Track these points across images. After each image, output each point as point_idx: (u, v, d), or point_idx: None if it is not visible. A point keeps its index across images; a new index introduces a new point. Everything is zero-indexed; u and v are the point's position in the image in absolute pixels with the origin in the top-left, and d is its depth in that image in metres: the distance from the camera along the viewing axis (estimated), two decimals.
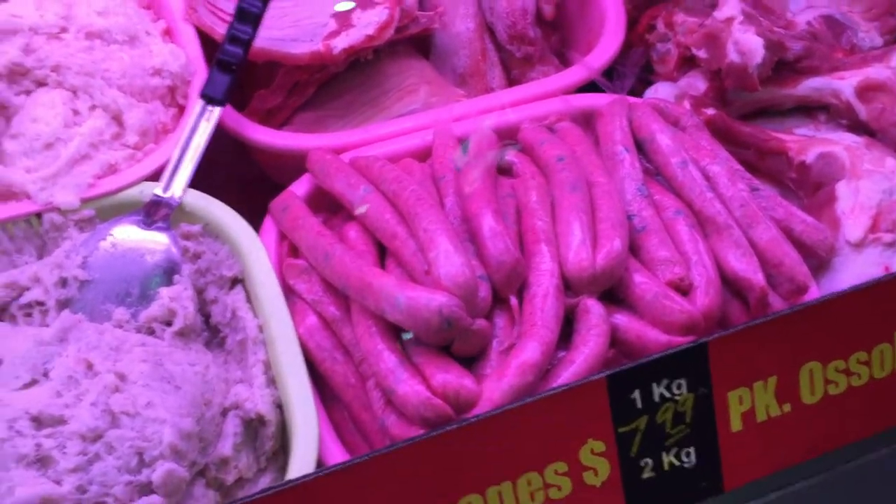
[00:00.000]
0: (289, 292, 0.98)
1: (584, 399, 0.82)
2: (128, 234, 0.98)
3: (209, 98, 1.07)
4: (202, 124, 1.05)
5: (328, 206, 1.06)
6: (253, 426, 0.92)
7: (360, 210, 0.97)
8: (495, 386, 0.84)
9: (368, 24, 1.15)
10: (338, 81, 1.25)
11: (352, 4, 1.18)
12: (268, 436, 0.91)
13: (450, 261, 0.86)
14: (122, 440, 0.81)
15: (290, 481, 0.78)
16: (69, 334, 0.88)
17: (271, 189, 1.10)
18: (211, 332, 1.00)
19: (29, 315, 0.94)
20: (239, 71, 1.08)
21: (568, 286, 0.92)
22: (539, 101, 1.17)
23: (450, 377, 0.84)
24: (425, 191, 0.95)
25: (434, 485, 0.80)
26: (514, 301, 0.90)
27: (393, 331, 0.89)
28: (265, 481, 0.92)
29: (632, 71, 1.16)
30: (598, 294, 0.92)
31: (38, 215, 1.00)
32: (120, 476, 0.80)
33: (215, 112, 1.06)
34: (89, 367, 0.85)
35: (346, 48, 1.14)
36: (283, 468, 0.93)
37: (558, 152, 1.04)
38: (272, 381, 0.93)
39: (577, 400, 0.82)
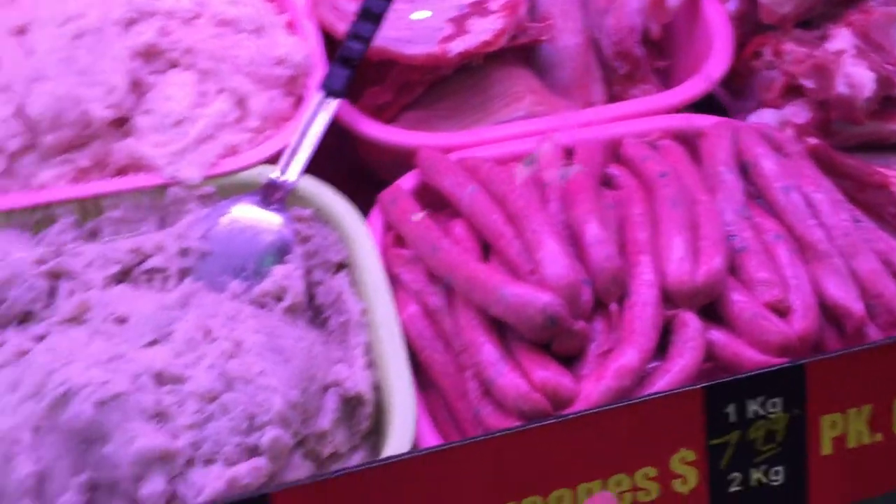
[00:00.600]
0: (392, 281, 1.01)
1: (680, 408, 0.84)
2: (246, 213, 1.03)
3: (329, 90, 1.12)
4: (320, 114, 1.10)
5: (432, 202, 1.10)
6: (350, 405, 0.96)
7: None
8: (593, 387, 0.86)
9: (484, 30, 1.18)
10: (445, 84, 1.29)
11: (467, 11, 1.23)
12: (364, 415, 0.95)
13: (557, 262, 0.89)
14: (236, 403, 0.86)
15: (390, 457, 0.82)
16: (191, 301, 0.93)
17: (368, 182, 1.14)
18: (314, 312, 1.04)
19: (150, 280, 0.99)
20: (358, 67, 1.13)
21: (666, 299, 0.94)
22: (642, 118, 1.20)
23: (549, 374, 0.87)
24: (532, 194, 0.98)
25: (526, 476, 0.83)
26: (613, 307, 0.92)
27: (494, 325, 0.92)
28: (357, 458, 0.96)
29: (754, 94, 1.18)
30: (695, 309, 0.94)
31: (163, 188, 1.06)
32: (231, 437, 0.85)
33: (333, 104, 1.11)
34: (208, 332, 0.90)
35: (461, 52, 1.18)
36: (375, 448, 0.97)
37: (661, 168, 1.06)
38: (371, 364, 0.97)
39: (672, 408, 0.84)
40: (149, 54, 1.11)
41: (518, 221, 0.95)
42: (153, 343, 0.89)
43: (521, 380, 0.86)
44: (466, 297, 0.93)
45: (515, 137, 1.15)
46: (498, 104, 1.26)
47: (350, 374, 0.95)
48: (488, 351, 0.89)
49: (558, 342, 0.89)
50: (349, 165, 1.28)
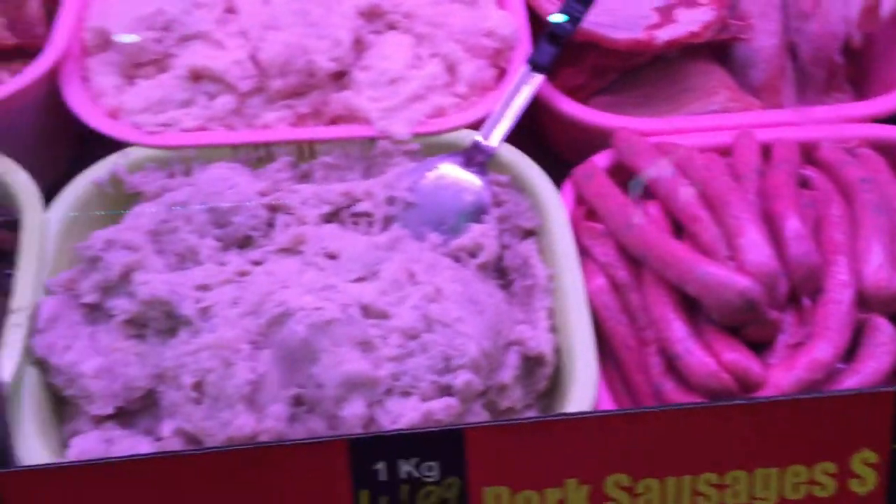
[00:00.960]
0: (581, 252, 1.05)
1: (869, 409, 0.84)
2: (451, 171, 1.08)
3: (535, 65, 1.16)
4: (524, 87, 1.15)
5: (622, 182, 1.12)
6: (530, 364, 1.00)
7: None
8: (783, 375, 0.87)
9: (693, 21, 1.20)
10: (638, 73, 1.31)
11: (675, 1, 1.25)
12: (543, 375, 0.99)
13: (758, 249, 0.90)
14: (435, 344, 0.91)
15: (584, 412, 0.86)
16: (397, 245, 0.99)
17: (542, 157, 1.17)
18: (499, 273, 1.09)
19: (356, 223, 1.06)
20: (565, 45, 1.17)
21: (859, 302, 0.94)
22: (838, 125, 1.19)
23: (739, 357, 0.88)
24: (733, 182, 1.00)
25: (705, 453, 0.85)
26: (807, 302, 0.93)
27: (684, 304, 0.94)
28: (530, 415, 1.00)
29: None
30: (888, 315, 0.94)
31: (373, 140, 1.12)
32: (428, 374, 0.90)
33: (538, 78, 1.16)
34: (411, 276, 0.96)
35: (668, 40, 1.20)
36: (547, 410, 1.01)
37: (862, 174, 1.06)
38: (554, 328, 1.01)
39: (860, 407, 0.84)
40: (371, 14, 1.18)
41: (718, 207, 0.96)
42: (361, 279, 0.96)
43: (709, 358, 0.88)
44: (660, 274, 0.95)
45: (712, 129, 1.17)
46: (691, 97, 1.28)
47: (533, 334, 0.99)
48: (678, 328, 0.92)
49: (752, 328, 0.91)
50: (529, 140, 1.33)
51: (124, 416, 0.96)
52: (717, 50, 1.37)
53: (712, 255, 0.95)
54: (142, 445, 0.93)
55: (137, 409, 0.97)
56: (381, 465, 0.83)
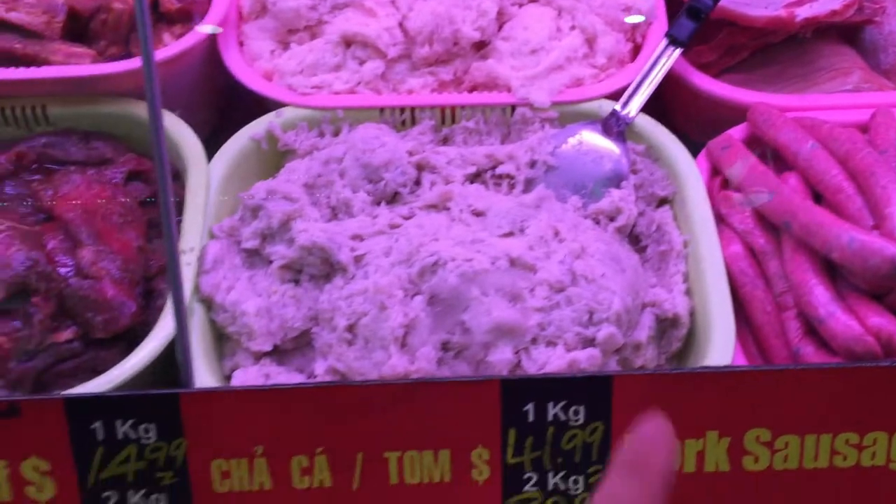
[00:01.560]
0: (718, 221, 1.07)
1: None
2: (591, 138, 1.12)
3: (673, 39, 1.19)
4: (662, 60, 1.18)
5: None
6: (663, 326, 1.03)
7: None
8: None
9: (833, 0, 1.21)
10: (769, 51, 1.33)
11: None
12: (677, 336, 1.02)
13: None
14: (580, 297, 0.95)
15: (728, 366, 0.88)
16: (543, 203, 1.03)
17: None
18: (632, 240, 1.12)
19: (498, 185, 1.11)
20: (704, 21, 1.19)
21: None
22: None
23: (884, 322, 0.90)
24: (879, 155, 1.01)
25: (846, 414, 0.87)
26: None
27: (827, 270, 0.96)
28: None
29: None
30: None
31: (512, 107, 1.17)
32: (572, 326, 0.94)
33: (676, 52, 1.18)
34: (556, 233, 1.00)
35: (808, 18, 1.21)
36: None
37: None
38: (689, 292, 1.04)
39: None
40: None
41: (864, 178, 0.98)
42: (509, 234, 1.00)
43: (854, 322, 0.90)
44: (804, 240, 0.97)
45: (848, 108, 1.18)
46: (824, 76, 1.29)
47: (669, 297, 1.02)
48: (820, 293, 0.94)
49: (893, 296, 0.92)
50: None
51: (279, 354, 1.03)
52: (847, 32, 1.37)
53: (858, 226, 0.96)
54: (296, 381, 0.99)
55: (291, 349, 1.03)
56: (530, 406, 0.88)
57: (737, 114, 1.19)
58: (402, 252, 0.99)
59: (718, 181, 1.11)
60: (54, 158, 1.13)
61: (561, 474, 0.89)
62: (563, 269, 0.96)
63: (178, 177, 1.16)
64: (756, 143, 1.14)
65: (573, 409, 0.87)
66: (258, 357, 1.01)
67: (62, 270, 0.95)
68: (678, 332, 1.02)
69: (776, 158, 1.12)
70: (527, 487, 0.90)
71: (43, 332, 0.92)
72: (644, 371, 0.89)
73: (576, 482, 0.90)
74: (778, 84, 1.30)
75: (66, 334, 0.94)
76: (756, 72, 1.34)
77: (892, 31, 1.36)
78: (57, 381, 0.94)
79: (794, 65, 1.32)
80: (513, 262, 0.96)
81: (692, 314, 1.03)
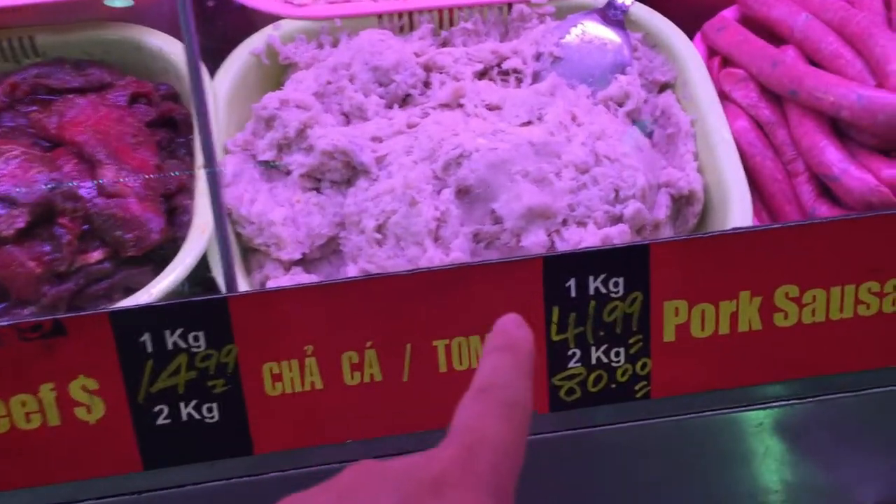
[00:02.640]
0: (721, 98, 1.10)
1: None
2: (593, 28, 1.13)
3: None
4: None
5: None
6: (678, 205, 1.06)
7: None
8: None
9: None
10: None
11: None
12: (693, 213, 1.05)
13: None
14: (605, 177, 0.97)
15: (752, 227, 0.92)
16: (556, 91, 1.04)
17: None
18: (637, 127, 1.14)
19: (505, 80, 1.12)
20: None
21: None
22: None
23: None
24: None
25: (867, 263, 0.91)
26: None
27: (836, 131, 1.00)
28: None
29: None
30: None
31: (509, 5, 1.17)
32: (601, 204, 0.97)
33: None
34: (574, 118, 1.02)
35: None
36: None
37: None
38: (700, 169, 1.07)
39: None
40: None
41: (861, 41, 1.01)
42: (527, 123, 1.02)
43: (868, 175, 0.94)
44: (811, 105, 1.00)
45: None
46: None
47: (682, 175, 1.05)
48: (832, 152, 0.98)
49: None
50: None
51: (306, 263, 1.03)
52: None
53: None
54: None
55: (318, 258, 1.03)
56: (571, 282, 0.90)
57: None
58: (424, 149, 1.00)
59: (717, 61, 1.14)
60: (49, 88, 1.10)
61: (603, 348, 0.92)
62: (585, 150, 0.98)
63: (177, 97, 1.14)
64: (748, 24, 1.17)
65: (613, 280, 0.90)
66: (287, 266, 1.01)
67: (85, 191, 0.93)
68: (693, 209, 1.05)
69: (770, 37, 1.15)
70: (571, 364, 0.93)
71: (73, 254, 0.91)
72: (678, 237, 0.91)
73: (617, 354, 0.93)
74: None
75: (96, 255, 0.93)
76: None
77: None
78: (91, 304, 0.93)
79: None
80: (536, 148, 0.98)
81: (706, 190, 1.06)
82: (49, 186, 0.91)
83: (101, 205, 0.93)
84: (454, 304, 0.90)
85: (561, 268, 0.88)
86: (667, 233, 1.05)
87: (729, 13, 1.19)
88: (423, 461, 0.43)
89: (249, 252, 1.04)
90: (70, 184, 0.92)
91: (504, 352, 0.48)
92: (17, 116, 1.07)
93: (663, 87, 1.15)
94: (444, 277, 0.87)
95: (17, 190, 0.91)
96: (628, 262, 0.89)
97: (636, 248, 0.89)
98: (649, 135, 1.12)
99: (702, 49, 1.16)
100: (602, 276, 0.90)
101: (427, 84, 1.10)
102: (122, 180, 0.94)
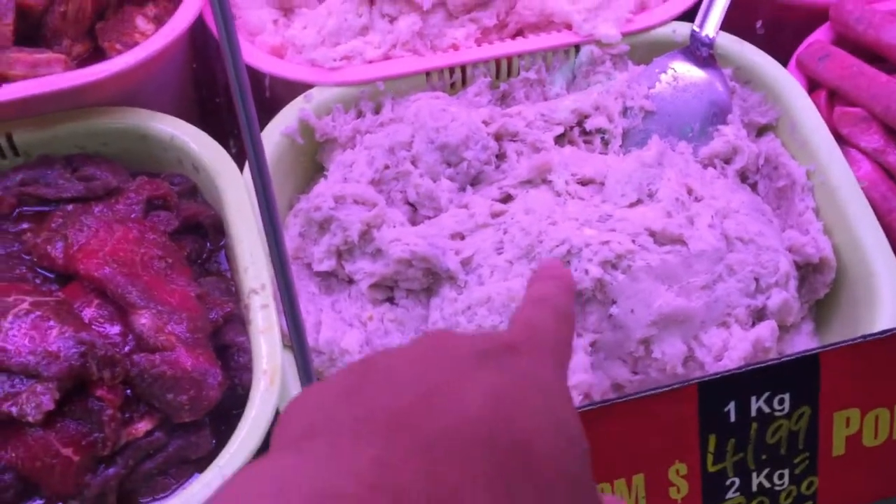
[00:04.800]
0: (839, 143, 0.95)
1: None
2: (685, 70, 0.97)
3: None
4: None
5: None
6: (803, 271, 0.91)
7: None
8: None
9: None
10: None
11: None
12: (823, 283, 0.91)
13: None
14: (743, 265, 0.82)
15: None
16: (664, 158, 0.88)
17: None
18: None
19: (589, 142, 0.95)
20: None
21: None
22: None
23: None
24: None
25: None
26: None
27: None
28: (807, 329, 0.92)
29: None
30: None
31: (576, 47, 1.00)
32: (741, 299, 0.81)
33: None
34: (690, 191, 0.86)
35: None
36: (823, 318, 0.93)
37: None
38: (827, 231, 0.92)
39: None
40: None
41: None
42: (637, 203, 0.86)
43: None
44: None
45: None
46: None
47: (808, 239, 0.90)
48: None
49: None
50: None
51: None
52: None
53: None
54: None
55: None
56: (731, 406, 0.75)
57: (802, 15, 1.07)
58: (518, 245, 0.83)
59: (823, 96, 0.99)
60: (41, 197, 0.90)
61: (765, 472, 0.78)
62: (715, 234, 0.82)
63: (196, 191, 0.95)
64: (844, 46, 1.02)
65: (778, 398, 0.76)
66: None
67: (121, 346, 0.75)
68: (825, 278, 0.90)
69: (871, 59, 1.00)
70: (730, 494, 0.79)
71: (116, 431, 0.73)
72: (851, 341, 0.77)
73: (780, 476, 0.79)
74: None
75: (144, 425, 0.75)
76: None
77: None
78: (145, 485, 0.75)
79: None
80: (656, 237, 0.82)
81: (835, 253, 0.91)
82: (78, 352, 0.72)
83: (143, 363, 0.74)
84: (593, 445, 0.75)
85: (719, 391, 0.74)
86: (796, 308, 0.90)
87: (822, 34, 1.04)
88: (491, 334, 0.46)
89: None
90: (103, 342, 0.74)
91: (552, 279, 0.50)
92: (6, 240, 0.88)
93: (762, 130, 1.00)
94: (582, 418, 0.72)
95: (38, 360, 0.72)
96: (795, 375, 0.75)
97: (804, 360, 0.75)
98: (752, 187, 0.96)
99: (801, 81, 1.01)
100: (766, 395, 0.76)
101: (500, 156, 0.93)
102: (165, 327, 0.76)
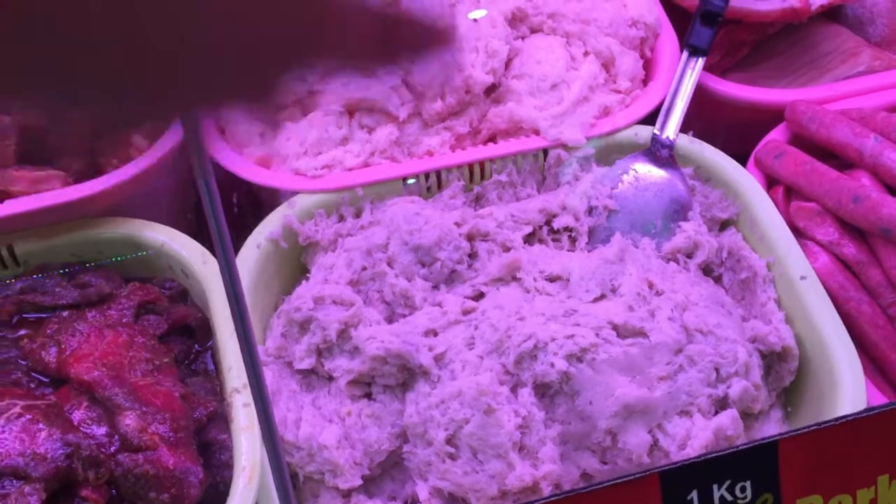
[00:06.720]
0: (796, 236, 1.00)
1: None
2: (646, 170, 1.03)
3: (693, 48, 1.11)
4: (688, 73, 1.10)
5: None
6: (768, 360, 0.95)
7: None
8: None
9: None
10: (765, 44, 1.27)
11: None
12: (788, 371, 0.94)
13: None
14: (702, 355, 0.86)
15: (877, 407, 0.80)
16: (625, 255, 0.93)
17: None
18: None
19: (557, 240, 1.00)
20: (720, 25, 1.12)
21: None
22: None
23: None
24: None
25: None
26: None
27: None
28: (776, 416, 0.95)
29: None
30: None
31: (545, 151, 1.06)
32: (702, 388, 0.85)
33: (700, 62, 1.10)
34: (650, 286, 0.90)
35: (822, 5, 1.16)
36: (787, 406, 0.96)
37: None
38: (788, 320, 0.96)
39: None
40: (514, 20, 1.11)
41: None
42: (601, 298, 0.90)
43: None
44: None
45: (876, 90, 1.13)
46: (833, 61, 1.24)
47: (770, 329, 0.94)
48: None
49: None
50: None
51: (367, 483, 0.89)
52: (830, 10, 1.33)
53: None
54: None
55: (379, 475, 0.89)
56: (693, 495, 0.78)
57: (760, 116, 1.13)
58: (488, 341, 0.87)
59: (781, 192, 1.04)
60: (38, 305, 0.96)
61: None
62: (675, 326, 0.86)
63: (186, 295, 1.00)
64: (799, 144, 1.08)
65: (739, 486, 0.78)
66: (346, 494, 0.87)
67: (106, 447, 0.79)
68: (789, 366, 0.94)
69: (824, 155, 1.06)
70: None
71: None
72: (807, 428, 0.80)
73: None
74: (789, 76, 1.25)
75: None
76: (758, 67, 1.28)
77: (876, 2, 1.33)
78: None
79: (797, 53, 1.26)
80: (619, 330, 0.86)
81: (798, 342, 0.95)
82: (64, 453, 0.75)
83: (127, 463, 0.78)
84: None
85: (680, 480, 0.76)
86: (762, 396, 0.93)
87: (778, 134, 1.10)
88: None
89: (298, 480, 0.89)
90: (89, 443, 0.77)
91: None
92: (4, 345, 0.92)
93: (724, 224, 1.05)
94: None
95: (27, 461, 0.75)
96: (754, 462, 0.78)
97: (762, 447, 0.78)
98: (717, 279, 1.01)
99: (758, 178, 1.06)
100: (727, 483, 0.78)
101: (472, 255, 0.98)
102: (148, 427, 0.79)
